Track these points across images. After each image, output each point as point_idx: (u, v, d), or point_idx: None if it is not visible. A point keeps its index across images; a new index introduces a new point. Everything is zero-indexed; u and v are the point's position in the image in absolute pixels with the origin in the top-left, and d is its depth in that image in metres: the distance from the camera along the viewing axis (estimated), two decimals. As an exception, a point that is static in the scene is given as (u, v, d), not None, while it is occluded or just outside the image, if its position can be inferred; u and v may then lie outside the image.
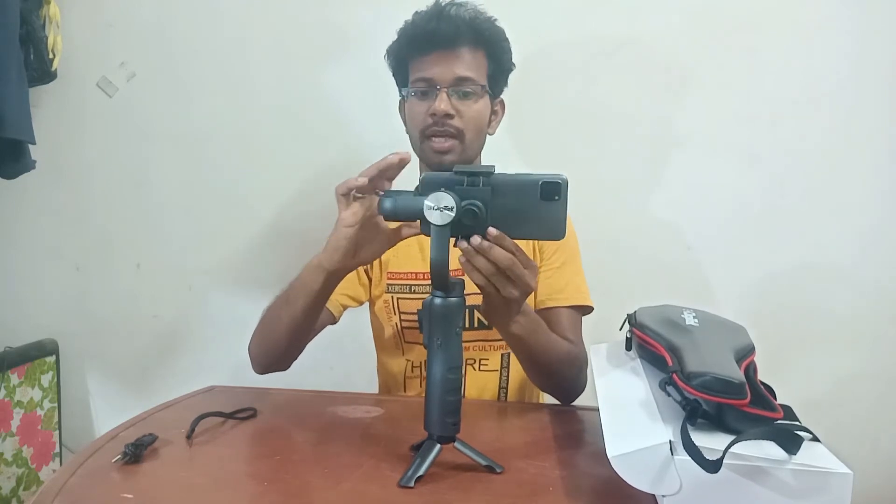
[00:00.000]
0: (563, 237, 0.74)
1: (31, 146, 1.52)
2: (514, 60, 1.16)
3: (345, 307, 1.15)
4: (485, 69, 1.10)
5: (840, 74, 1.47)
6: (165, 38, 1.68)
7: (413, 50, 1.09)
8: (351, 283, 1.15)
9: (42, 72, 1.58)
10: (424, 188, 0.73)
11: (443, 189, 0.70)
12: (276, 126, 1.66)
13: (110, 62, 1.69)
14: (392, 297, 1.15)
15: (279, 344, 1.00)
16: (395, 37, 1.13)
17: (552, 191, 0.72)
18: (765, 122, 1.50)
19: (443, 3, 1.09)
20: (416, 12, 1.10)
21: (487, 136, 1.15)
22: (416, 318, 1.10)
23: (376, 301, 1.18)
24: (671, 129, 1.53)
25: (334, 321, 1.14)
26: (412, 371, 1.16)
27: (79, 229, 1.76)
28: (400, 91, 1.15)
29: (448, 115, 1.05)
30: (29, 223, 1.77)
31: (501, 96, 1.18)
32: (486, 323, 1.10)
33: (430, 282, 1.09)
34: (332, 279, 0.90)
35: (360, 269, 1.17)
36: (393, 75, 1.16)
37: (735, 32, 1.50)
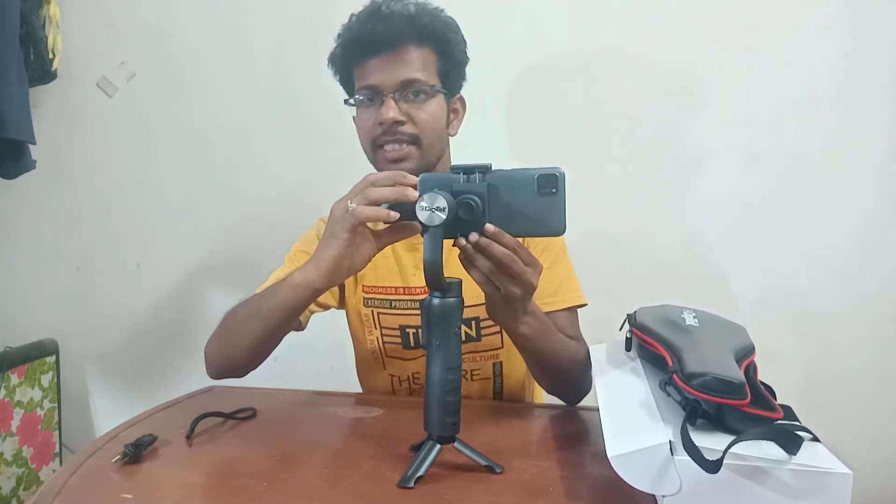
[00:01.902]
0: (563, 232, 0.73)
1: (31, 146, 1.52)
2: (467, 53, 1.06)
3: (312, 313, 1.11)
4: (434, 67, 1.01)
5: (840, 74, 1.47)
6: (165, 38, 1.68)
7: (354, 56, 1.01)
8: None
9: (42, 72, 1.58)
10: (421, 187, 0.73)
11: (436, 189, 0.69)
12: (276, 126, 1.66)
13: (110, 62, 1.69)
14: (372, 311, 1.11)
15: (244, 354, 0.94)
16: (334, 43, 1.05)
17: (549, 183, 0.72)
18: (765, 123, 1.50)
19: (379, 1, 1.00)
20: (353, 14, 1.02)
21: (452, 138, 1.09)
22: (397, 332, 1.10)
23: (351, 311, 1.14)
24: (671, 130, 1.53)
25: (300, 328, 1.08)
26: (400, 385, 1.13)
27: (79, 229, 1.76)
28: (346, 101, 1.07)
29: (398, 122, 0.98)
30: (29, 223, 1.77)
31: (461, 92, 1.09)
32: (473, 335, 1.08)
33: (409, 296, 1.09)
34: (317, 296, 0.87)
35: None
36: (340, 83, 1.08)
37: (735, 32, 1.50)
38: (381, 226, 0.83)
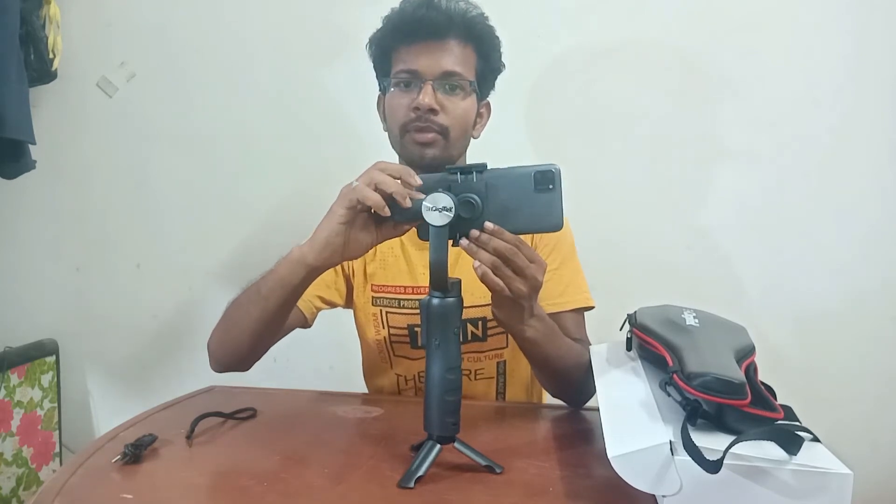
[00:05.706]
0: (560, 227, 0.74)
1: (31, 146, 1.52)
2: (503, 61, 1.09)
3: (318, 309, 1.11)
4: (473, 66, 1.04)
5: (840, 74, 1.47)
6: (165, 38, 1.68)
7: (398, 39, 1.02)
8: (326, 286, 1.11)
9: (42, 72, 1.58)
10: (420, 190, 0.73)
11: (440, 189, 0.71)
12: (276, 126, 1.66)
13: (110, 62, 1.69)
14: (380, 310, 1.11)
15: (245, 340, 0.95)
16: (380, 24, 1.06)
17: (545, 180, 0.73)
18: (765, 122, 1.50)
19: None
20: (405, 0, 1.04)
21: (472, 140, 1.09)
22: (405, 332, 1.10)
23: (359, 311, 1.15)
24: (671, 129, 1.53)
25: (307, 324, 1.10)
26: (406, 384, 1.13)
27: (79, 229, 1.76)
28: (380, 83, 1.08)
29: (432, 111, 0.98)
30: (29, 223, 1.77)
31: (488, 99, 1.11)
32: (479, 335, 1.08)
33: (418, 296, 1.09)
34: (314, 275, 0.86)
35: (340, 274, 1.13)
36: (374, 66, 1.09)
37: (735, 32, 1.50)
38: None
